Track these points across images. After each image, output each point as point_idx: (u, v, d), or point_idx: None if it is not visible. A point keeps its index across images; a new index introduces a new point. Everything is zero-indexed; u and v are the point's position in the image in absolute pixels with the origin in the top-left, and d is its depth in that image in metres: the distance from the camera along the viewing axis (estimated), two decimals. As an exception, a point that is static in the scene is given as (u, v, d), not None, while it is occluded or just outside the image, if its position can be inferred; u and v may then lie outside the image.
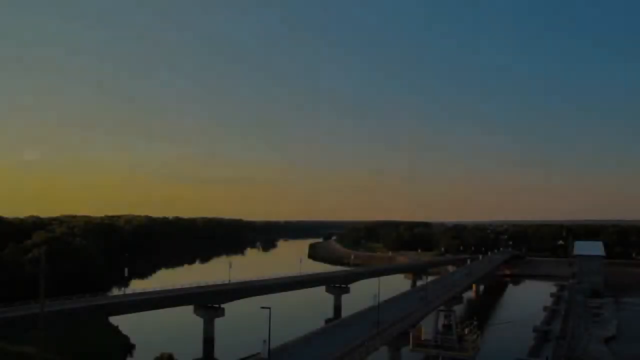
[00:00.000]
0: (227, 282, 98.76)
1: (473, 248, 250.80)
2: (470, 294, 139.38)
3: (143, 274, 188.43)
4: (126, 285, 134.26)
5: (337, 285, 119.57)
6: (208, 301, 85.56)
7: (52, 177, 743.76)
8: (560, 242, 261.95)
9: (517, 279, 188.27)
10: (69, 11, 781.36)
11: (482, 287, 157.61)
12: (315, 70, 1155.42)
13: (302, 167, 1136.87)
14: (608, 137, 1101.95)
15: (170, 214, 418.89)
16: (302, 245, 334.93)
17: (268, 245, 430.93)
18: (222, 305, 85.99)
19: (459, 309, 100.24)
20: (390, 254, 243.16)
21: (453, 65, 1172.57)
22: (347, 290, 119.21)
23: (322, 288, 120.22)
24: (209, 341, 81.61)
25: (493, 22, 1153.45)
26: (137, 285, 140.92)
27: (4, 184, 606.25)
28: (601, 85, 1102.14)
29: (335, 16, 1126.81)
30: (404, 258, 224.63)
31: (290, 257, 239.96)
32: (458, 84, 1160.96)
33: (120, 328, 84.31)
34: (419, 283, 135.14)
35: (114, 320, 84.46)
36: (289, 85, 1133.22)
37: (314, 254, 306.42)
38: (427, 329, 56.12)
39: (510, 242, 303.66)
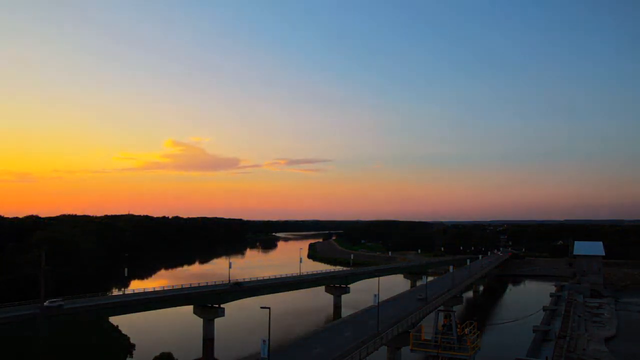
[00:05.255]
0: (226, 282, 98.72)
1: (473, 248, 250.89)
2: (470, 294, 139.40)
3: (143, 274, 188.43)
4: (126, 285, 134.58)
5: (337, 285, 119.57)
6: (208, 301, 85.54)
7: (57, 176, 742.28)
8: (560, 242, 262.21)
9: (517, 279, 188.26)
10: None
11: (481, 287, 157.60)
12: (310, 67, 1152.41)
13: (303, 167, 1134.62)
14: (608, 138, 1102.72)
15: (171, 213, 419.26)
16: (302, 245, 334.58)
17: (268, 245, 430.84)
18: (222, 305, 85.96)
19: (459, 309, 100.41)
20: (390, 254, 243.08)
21: (457, 63, 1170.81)
22: (347, 291, 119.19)
23: (322, 288, 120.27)
24: (208, 341, 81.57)
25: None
26: (137, 286, 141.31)
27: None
28: (601, 86, 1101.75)
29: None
30: (403, 258, 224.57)
31: (290, 257, 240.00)
32: (459, 82, 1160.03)
33: (120, 328, 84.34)
34: (418, 283, 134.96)
35: (114, 320, 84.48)
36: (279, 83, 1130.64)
37: (314, 254, 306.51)
38: (427, 329, 56.13)
39: (510, 242, 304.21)
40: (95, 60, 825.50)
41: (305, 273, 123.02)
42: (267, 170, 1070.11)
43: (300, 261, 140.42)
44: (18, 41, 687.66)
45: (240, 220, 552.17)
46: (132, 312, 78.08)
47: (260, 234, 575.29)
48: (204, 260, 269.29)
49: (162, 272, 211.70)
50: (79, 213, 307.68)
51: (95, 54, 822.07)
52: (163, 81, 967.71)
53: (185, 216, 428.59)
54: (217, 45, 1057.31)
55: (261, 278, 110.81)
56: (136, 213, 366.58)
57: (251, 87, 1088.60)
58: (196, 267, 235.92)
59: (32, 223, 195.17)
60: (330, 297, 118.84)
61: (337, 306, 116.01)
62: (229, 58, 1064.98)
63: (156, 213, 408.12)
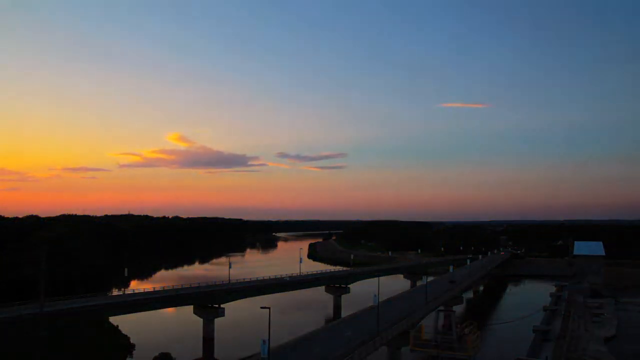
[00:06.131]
0: (226, 282, 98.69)
1: (473, 248, 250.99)
2: (470, 294, 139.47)
3: (143, 274, 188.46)
4: (126, 285, 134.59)
5: (337, 285, 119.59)
6: (208, 301, 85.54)
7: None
8: (560, 242, 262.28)
9: (517, 279, 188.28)
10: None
11: (481, 287, 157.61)
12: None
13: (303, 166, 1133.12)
14: (608, 137, 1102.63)
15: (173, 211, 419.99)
16: (302, 245, 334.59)
17: (268, 245, 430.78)
18: (222, 305, 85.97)
19: (458, 309, 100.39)
20: (390, 254, 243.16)
21: (458, 61, 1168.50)
22: (347, 291, 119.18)
23: (322, 288, 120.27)
24: (208, 341, 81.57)
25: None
26: (137, 286, 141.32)
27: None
28: (602, 84, 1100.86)
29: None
30: (404, 258, 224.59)
31: (290, 257, 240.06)
32: (457, 81, 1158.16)
33: (120, 328, 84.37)
34: (419, 283, 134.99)
35: (114, 320, 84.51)
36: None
37: (314, 254, 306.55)
38: (427, 329, 56.21)
39: (510, 242, 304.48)
40: (93, 54, 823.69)
41: (305, 273, 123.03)
42: (269, 169, 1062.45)
43: (300, 261, 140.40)
44: (13, 38, 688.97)
45: (241, 220, 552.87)
46: (132, 312, 78.03)
47: (260, 233, 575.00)
48: (204, 260, 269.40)
49: (162, 272, 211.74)
50: (79, 213, 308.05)
51: (95, 45, 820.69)
52: (164, 74, 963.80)
53: (187, 214, 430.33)
54: (221, 39, 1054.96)
55: (261, 278, 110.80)
56: (136, 211, 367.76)
57: (258, 82, 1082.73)
58: (196, 267, 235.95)
59: (32, 223, 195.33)
60: (330, 297, 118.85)
61: (337, 306, 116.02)
62: (234, 51, 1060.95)
63: (157, 211, 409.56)
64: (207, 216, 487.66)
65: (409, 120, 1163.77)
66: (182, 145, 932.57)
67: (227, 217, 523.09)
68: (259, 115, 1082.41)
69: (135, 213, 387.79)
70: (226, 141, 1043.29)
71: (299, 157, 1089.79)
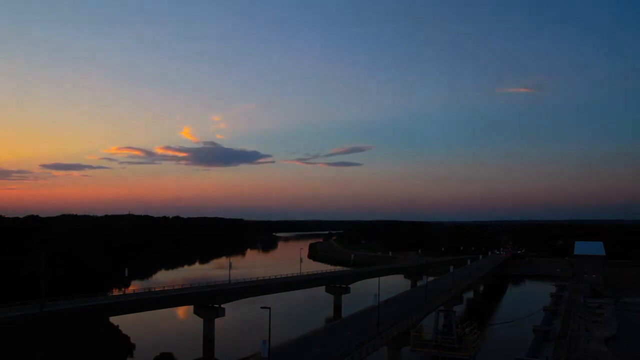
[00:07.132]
0: (227, 282, 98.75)
1: (473, 248, 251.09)
2: (470, 294, 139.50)
3: (143, 274, 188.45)
4: (126, 285, 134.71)
5: (337, 285, 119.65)
6: (208, 301, 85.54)
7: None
8: (560, 242, 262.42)
9: (517, 279, 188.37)
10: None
11: (482, 287, 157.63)
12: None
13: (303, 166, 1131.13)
14: (609, 137, 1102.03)
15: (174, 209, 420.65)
16: (302, 245, 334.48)
17: (268, 245, 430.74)
18: (222, 305, 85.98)
19: (459, 309, 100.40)
20: (390, 254, 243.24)
21: (459, 61, 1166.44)
22: (347, 291, 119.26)
23: (322, 288, 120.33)
24: (209, 341, 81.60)
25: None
26: (137, 286, 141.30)
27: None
28: (601, 83, 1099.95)
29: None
30: (404, 258, 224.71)
31: (291, 257, 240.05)
32: (456, 81, 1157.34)
33: (120, 328, 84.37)
34: (419, 283, 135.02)
35: (114, 320, 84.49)
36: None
37: (314, 254, 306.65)
38: (427, 329, 56.22)
39: (511, 242, 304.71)
40: (94, 51, 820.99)
41: (306, 273, 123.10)
42: (276, 166, 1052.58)
43: (301, 261, 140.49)
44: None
45: (241, 220, 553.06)
46: (132, 312, 77.99)
47: (261, 233, 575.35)
48: (204, 260, 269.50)
49: (162, 272, 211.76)
50: (79, 213, 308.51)
51: (96, 43, 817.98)
52: (166, 68, 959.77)
53: (188, 213, 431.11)
54: (227, 34, 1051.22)
55: (261, 278, 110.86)
56: (138, 210, 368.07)
57: (264, 77, 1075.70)
58: (196, 267, 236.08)
59: (32, 223, 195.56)
60: (330, 297, 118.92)
61: (338, 306, 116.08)
62: (241, 40, 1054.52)
63: (158, 209, 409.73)
64: (208, 215, 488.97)
65: (403, 120, 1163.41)
66: (191, 141, 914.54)
67: (227, 216, 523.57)
68: (268, 111, 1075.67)
69: (136, 213, 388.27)
70: (237, 137, 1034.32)
71: (309, 154, 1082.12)
